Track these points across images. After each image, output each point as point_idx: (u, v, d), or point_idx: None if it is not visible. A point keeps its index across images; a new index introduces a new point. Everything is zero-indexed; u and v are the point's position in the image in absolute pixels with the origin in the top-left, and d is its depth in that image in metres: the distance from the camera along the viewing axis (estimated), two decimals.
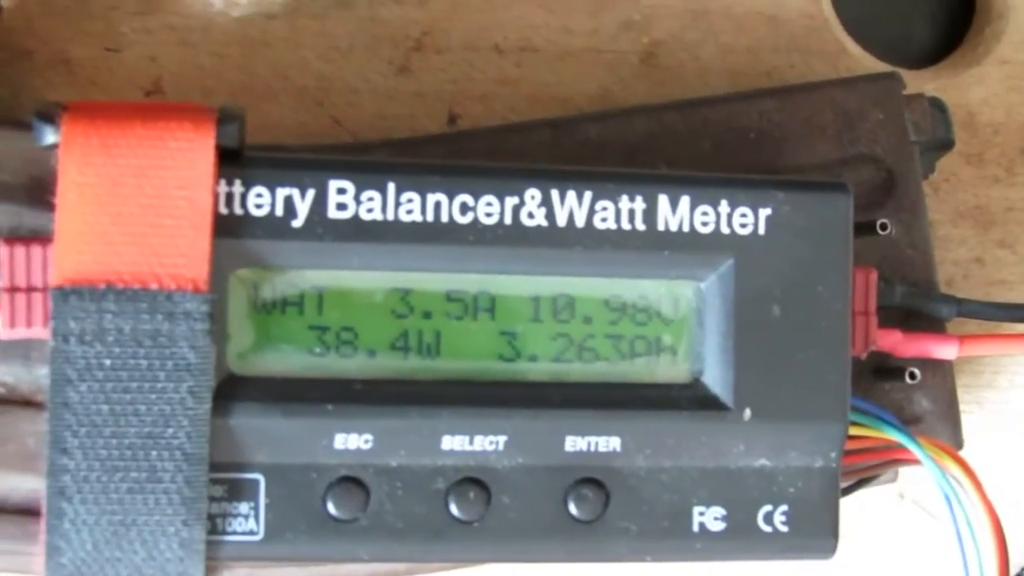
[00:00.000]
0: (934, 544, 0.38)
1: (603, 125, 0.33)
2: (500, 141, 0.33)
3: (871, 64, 0.38)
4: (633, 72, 0.36)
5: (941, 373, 0.34)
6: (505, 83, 0.36)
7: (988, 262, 0.38)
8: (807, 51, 0.37)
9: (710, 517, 0.30)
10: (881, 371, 0.33)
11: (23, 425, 0.30)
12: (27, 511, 0.30)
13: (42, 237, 0.29)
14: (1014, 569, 0.37)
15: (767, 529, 0.30)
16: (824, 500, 0.31)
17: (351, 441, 0.29)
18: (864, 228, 0.32)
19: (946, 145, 0.35)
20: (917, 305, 0.33)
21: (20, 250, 0.28)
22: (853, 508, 0.31)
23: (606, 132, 0.33)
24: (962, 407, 0.34)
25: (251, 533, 0.29)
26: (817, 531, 0.31)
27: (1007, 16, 0.39)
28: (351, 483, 0.29)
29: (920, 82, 0.38)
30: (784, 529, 0.30)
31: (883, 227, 0.33)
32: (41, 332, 0.28)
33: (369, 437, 0.29)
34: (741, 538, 0.30)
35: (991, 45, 0.39)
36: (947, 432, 0.34)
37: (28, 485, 0.30)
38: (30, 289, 0.28)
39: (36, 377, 0.30)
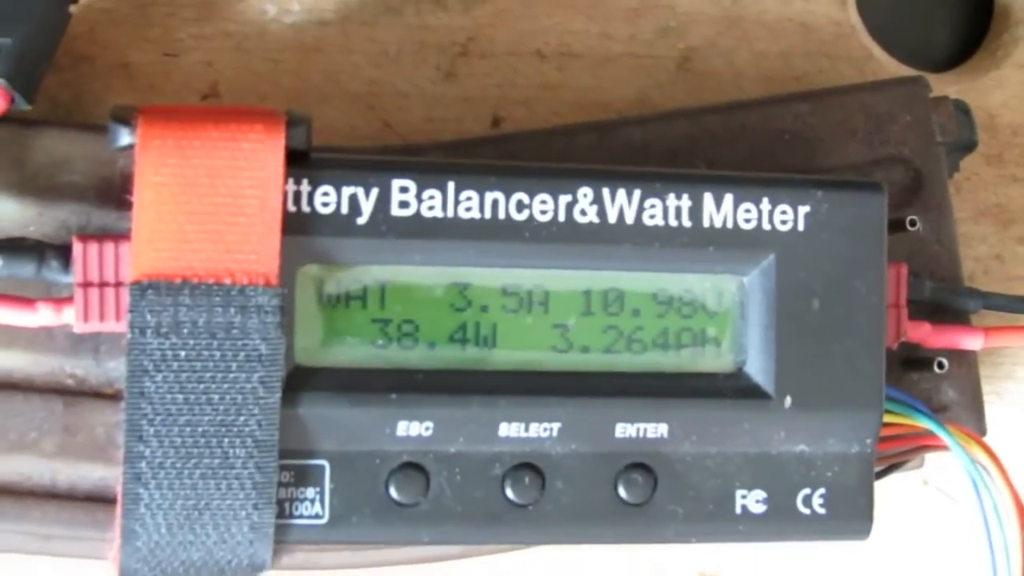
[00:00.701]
0: (956, 528, 0.38)
1: (645, 128, 0.34)
2: (546, 144, 0.33)
3: (895, 68, 0.38)
4: (670, 77, 0.37)
5: (967, 364, 0.34)
6: (547, 88, 0.36)
7: (1007, 259, 0.39)
8: (835, 56, 0.38)
9: (752, 500, 0.31)
10: (910, 362, 0.34)
11: (92, 416, 0.30)
12: (96, 499, 0.30)
13: (112, 234, 0.29)
14: None
15: (806, 512, 0.31)
16: (860, 484, 0.31)
17: (412, 429, 0.29)
18: (894, 225, 0.32)
19: (970, 146, 0.36)
20: (945, 299, 0.34)
21: (93, 247, 0.29)
22: (880, 494, 0.32)
23: (648, 135, 0.34)
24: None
25: (316, 517, 0.29)
26: (853, 514, 0.31)
27: None
28: (412, 469, 0.30)
29: (941, 85, 0.38)
30: (822, 512, 0.31)
31: (912, 224, 0.33)
32: (114, 326, 0.29)
33: (430, 425, 0.29)
34: (781, 520, 0.31)
35: (1010, 49, 0.39)
36: (972, 420, 0.34)
37: (97, 474, 0.30)
38: (103, 284, 0.29)
39: (105, 370, 0.30)
